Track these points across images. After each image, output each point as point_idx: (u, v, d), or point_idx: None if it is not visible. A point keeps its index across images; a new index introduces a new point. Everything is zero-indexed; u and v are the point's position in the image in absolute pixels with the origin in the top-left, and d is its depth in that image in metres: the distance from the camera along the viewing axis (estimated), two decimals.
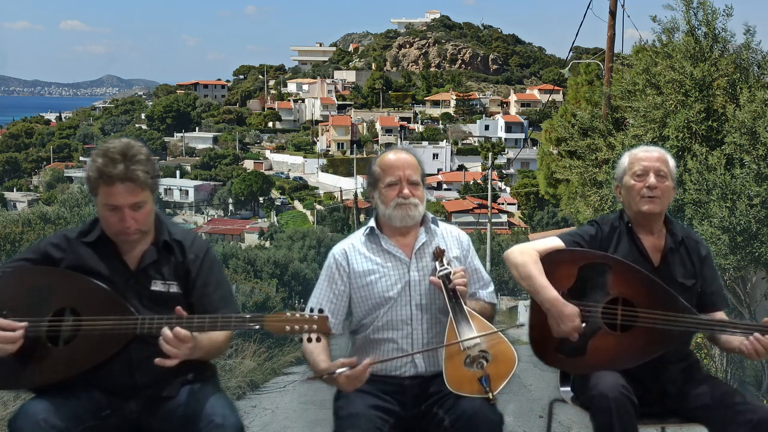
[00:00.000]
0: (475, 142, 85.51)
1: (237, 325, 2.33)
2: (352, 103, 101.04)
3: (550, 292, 2.55)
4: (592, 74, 17.92)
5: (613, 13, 13.18)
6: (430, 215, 2.73)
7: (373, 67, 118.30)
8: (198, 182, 73.88)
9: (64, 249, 2.36)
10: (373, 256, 2.66)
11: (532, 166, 57.90)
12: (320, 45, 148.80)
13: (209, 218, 62.37)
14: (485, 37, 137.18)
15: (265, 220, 62.27)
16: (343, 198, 57.97)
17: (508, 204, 58.89)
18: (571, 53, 22.36)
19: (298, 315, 2.26)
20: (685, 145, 7.26)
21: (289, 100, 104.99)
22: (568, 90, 19.38)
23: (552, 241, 2.71)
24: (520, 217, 54.53)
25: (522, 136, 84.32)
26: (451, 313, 2.45)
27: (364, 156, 69.94)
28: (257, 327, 2.27)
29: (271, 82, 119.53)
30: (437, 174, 69.86)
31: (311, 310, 2.30)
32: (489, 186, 35.23)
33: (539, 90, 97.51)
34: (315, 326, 2.26)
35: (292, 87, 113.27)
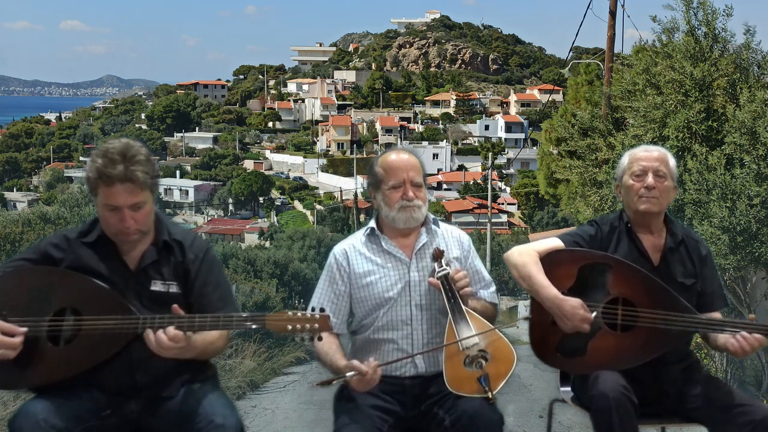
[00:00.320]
0: (475, 142, 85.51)
1: (238, 325, 2.33)
2: (352, 103, 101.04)
3: (550, 290, 2.55)
4: (592, 74, 17.92)
5: (613, 13, 13.18)
6: (431, 216, 2.73)
7: (373, 67, 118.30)
8: (198, 182, 73.87)
9: (64, 249, 2.36)
10: (373, 257, 2.66)
11: (532, 166, 57.90)
12: (320, 45, 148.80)
13: (209, 218, 62.37)
14: (485, 37, 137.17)
15: (265, 220, 62.27)
16: (343, 198, 57.97)
17: (508, 204, 58.89)
18: (571, 53, 22.37)
19: (299, 314, 2.27)
20: (685, 145, 7.26)
21: (289, 100, 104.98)
22: (568, 90, 19.38)
23: (552, 241, 2.71)
24: (520, 217, 54.53)
25: (522, 136, 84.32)
26: (450, 314, 2.46)
27: (364, 156, 69.93)
28: (258, 326, 2.27)
29: (271, 82, 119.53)
30: (437, 174, 69.85)
31: (312, 310, 2.30)
32: (489, 186, 35.24)
33: (539, 90, 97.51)
34: (316, 325, 2.26)
35: (292, 87, 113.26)
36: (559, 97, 55.29)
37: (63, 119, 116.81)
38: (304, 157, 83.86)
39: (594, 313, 2.54)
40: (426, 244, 2.67)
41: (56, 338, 2.26)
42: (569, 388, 2.80)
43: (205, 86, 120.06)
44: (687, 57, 7.60)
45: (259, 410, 5.70)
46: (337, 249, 2.72)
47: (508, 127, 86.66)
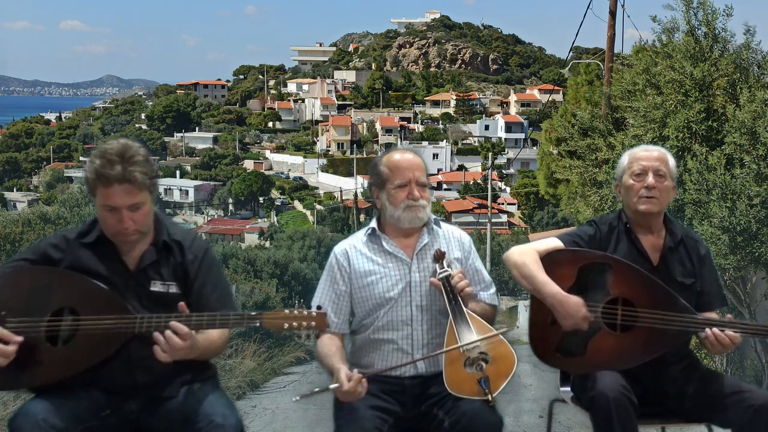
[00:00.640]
0: (475, 142, 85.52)
1: (236, 323, 2.33)
2: (352, 103, 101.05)
3: (551, 287, 2.55)
4: (592, 74, 17.92)
5: (613, 13, 13.18)
6: (432, 216, 2.72)
7: (373, 67, 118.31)
8: (198, 182, 73.88)
9: (63, 249, 2.36)
10: (374, 257, 2.66)
11: (532, 166, 57.90)
12: (320, 45, 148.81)
13: (209, 218, 62.38)
14: (485, 37, 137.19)
15: (265, 220, 62.28)
16: (343, 198, 57.99)
17: (508, 204, 58.89)
18: (571, 53, 22.39)
19: (296, 312, 2.27)
20: (685, 145, 7.26)
21: (289, 100, 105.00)
22: (568, 90, 19.38)
23: (551, 241, 2.71)
24: (520, 217, 54.54)
25: (522, 136, 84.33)
26: (450, 315, 2.45)
27: (364, 156, 69.95)
28: (256, 324, 2.27)
29: (271, 82, 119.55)
30: (437, 174, 69.86)
31: (319, 308, 2.31)
32: (489, 186, 35.26)
33: (539, 90, 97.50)
34: (313, 323, 2.27)
35: (292, 87, 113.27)
36: (559, 97, 55.29)
37: (63, 119, 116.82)
38: (304, 157, 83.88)
39: (593, 313, 2.53)
40: (427, 244, 2.66)
41: (54, 338, 2.26)
42: (569, 388, 2.80)
43: (205, 86, 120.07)
44: (687, 57, 7.61)
45: (259, 410, 5.71)
46: (338, 248, 2.72)
47: (508, 127, 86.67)
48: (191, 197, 70.62)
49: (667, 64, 7.85)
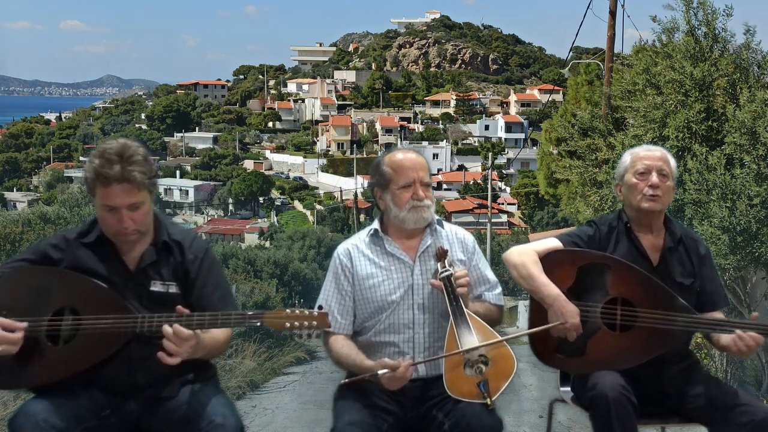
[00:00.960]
0: (475, 142, 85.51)
1: (237, 322, 2.33)
2: (352, 103, 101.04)
3: (552, 288, 2.55)
4: (592, 74, 17.92)
5: (613, 13, 13.18)
6: (436, 216, 2.71)
7: (373, 67, 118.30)
8: (198, 182, 73.88)
9: (63, 249, 2.37)
10: (376, 259, 2.64)
11: (532, 166, 57.90)
12: (320, 45, 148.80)
13: (209, 218, 62.37)
14: (485, 37, 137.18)
15: (265, 220, 62.28)
16: (343, 198, 57.98)
17: (508, 204, 58.88)
18: (571, 53, 22.39)
19: (297, 311, 2.27)
20: (685, 145, 7.26)
21: (289, 100, 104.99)
22: (568, 90, 19.38)
23: (550, 241, 2.71)
24: (520, 217, 54.53)
25: (522, 136, 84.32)
26: (451, 317, 2.44)
27: (364, 156, 69.94)
28: (257, 324, 2.27)
29: (271, 82, 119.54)
30: (437, 174, 69.84)
31: (320, 307, 2.32)
32: (489, 186, 35.25)
33: (539, 90, 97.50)
34: (315, 322, 2.27)
35: (292, 87, 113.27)
36: (559, 97, 55.29)
37: (63, 119, 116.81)
38: (304, 157, 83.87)
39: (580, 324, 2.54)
40: (430, 246, 2.65)
41: (55, 338, 2.26)
42: (569, 388, 2.80)
43: (205, 86, 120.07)
44: (687, 57, 7.60)
45: (259, 410, 5.70)
46: (341, 249, 2.71)
47: (508, 127, 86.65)
48: (191, 197, 70.61)
49: (667, 64, 7.84)
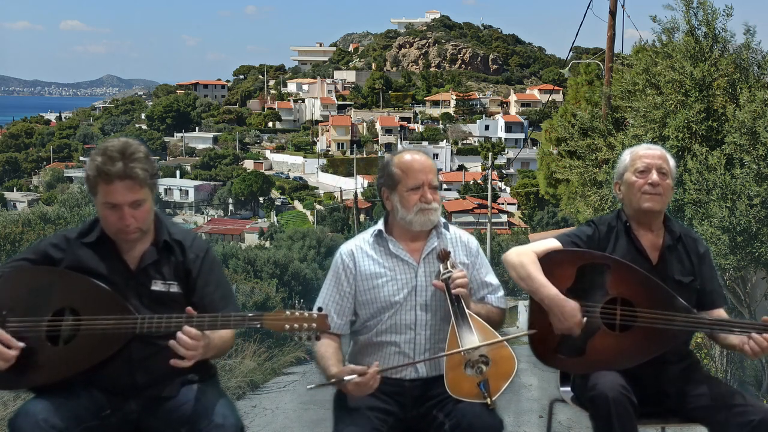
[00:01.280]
0: (475, 142, 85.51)
1: (236, 324, 2.33)
2: (352, 103, 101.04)
3: (550, 289, 2.55)
4: (592, 74, 17.92)
5: (613, 13, 13.18)
6: (442, 219, 2.71)
7: (373, 67, 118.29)
8: (198, 182, 73.89)
9: (63, 249, 2.37)
10: (380, 259, 2.64)
11: (532, 166, 57.90)
12: (320, 45, 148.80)
13: (209, 218, 62.39)
14: (485, 37, 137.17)
15: (265, 220, 62.29)
16: (343, 198, 57.98)
17: (508, 204, 58.89)
18: (571, 53, 22.38)
19: (297, 313, 2.27)
20: (685, 145, 7.26)
21: (289, 100, 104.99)
22: (568, 90, 19.38)
23: (549, 242, 2.71)
24: (520, 217, 54.55)
25: (522, 136, 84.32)
26: (452, 317, 2.44)
27: (364, 156, 69.99)
28: (257, 325, 2.28)
29: (271, 82, 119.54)
30: (438, 174, 69.79)
31: (319, 309, 2.32)
32: (489, 186, 35.27)
33: (539, 90, 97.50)
34: (314, 324, 2.27)
35: (292, 87, 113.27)
36: (559, 97, 55.27)
37: (63, 119, 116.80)
38: (304, 157, 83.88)
39: (584, 319, 2.53)
40: (435, 248, 2.64)
41: (55, 338, 2.26)
42: (569, 388, 2.80)
43: (205, 86, 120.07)
44: (687, 57, 7.60)
45: (259, 410, 5.70)
46: (344, 249, 2.70)
47: (508, 127, 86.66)
48: (191, 197, 70.62)
49: (667, 64, 7.85)
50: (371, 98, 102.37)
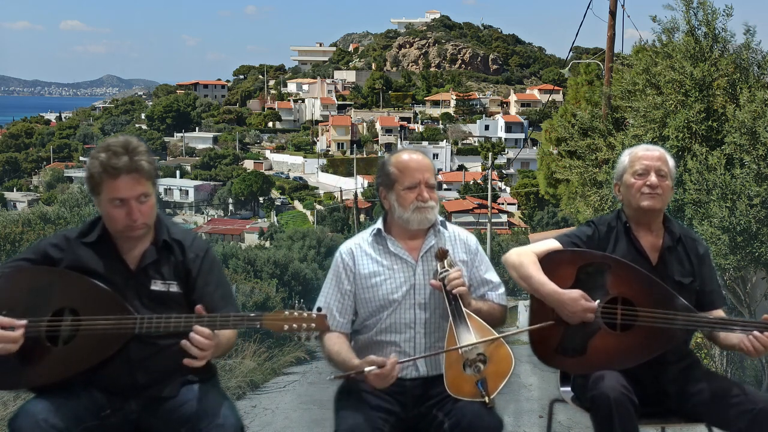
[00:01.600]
0: (475, 142, 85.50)
1: (236, 324, 2.34)
2: (352, 103, 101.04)
3: (549, 286, 2.55)
4: (592, 74, 17.92)
5: (613, 13, 13.18)
6: (440, 218, 2.72)
7: (373, 67, 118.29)
8: (198, 182, 73.88)
9: (63, 249, 2.36)
10: (379, 258, 2.66)
11: (532, 166, 57.90)
12: (320, 45, 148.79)
13: (209, 218, 62.39)
14: (485, 37, 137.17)
15: (265, 220, 62.30)
16: (343, 198, 57.98)
17: (508, 204, 58.89)
18: (571, 53, 22.37)
19: (296, 313, 2.28)
20: (685, 145, 7.26)
21: (289, 100, 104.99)
22: (568, 90, 19.38)
23: (549, 242, 2.71)
24: (520, 217, 54.54)
25: (522, 136, 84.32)
26: (450, 316, 2.45)
27: (364, 156, 70.00)
28: (256, 325, 2.28)
29: (271, 82, 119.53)
30: (437, 174, 69.87)
31: (318, 310, 2.33)
32: (489, 186, 35.28)
33: (539, 90, 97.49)
34: (313, 325, 2.27)
35: (292, 87, 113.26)
36: (559, 97, 55.28)
37: (63, 119, 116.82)
38: (304, 157, 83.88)
39: (597, 301, 2.53)
40: (433, 246, 2.65)
41: (55, 338, 2.26)
42: (569, 388, 2.80)
43: (205, 86, 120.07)
44: (687, 57, 7.60)
45: (259, 410, 5.71)
46: (344, 248, 2.72)
47: (508, 127, 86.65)
48: (191, 197, 70.61)
49: (667, 64, 7.84)
50: (371, 98, 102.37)
